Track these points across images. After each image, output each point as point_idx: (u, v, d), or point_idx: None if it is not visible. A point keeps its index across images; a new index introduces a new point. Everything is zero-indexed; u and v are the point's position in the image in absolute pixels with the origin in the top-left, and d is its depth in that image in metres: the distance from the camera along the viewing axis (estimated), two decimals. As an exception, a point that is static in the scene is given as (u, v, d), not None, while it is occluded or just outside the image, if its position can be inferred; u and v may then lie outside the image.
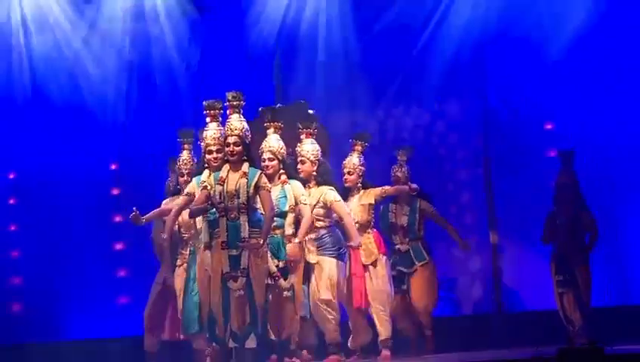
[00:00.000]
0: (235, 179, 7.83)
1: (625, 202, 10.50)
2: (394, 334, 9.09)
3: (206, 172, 8.00)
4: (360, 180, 9.14)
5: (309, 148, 8.73)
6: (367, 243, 8.97)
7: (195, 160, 8.84)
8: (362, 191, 9.14)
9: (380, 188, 9.19)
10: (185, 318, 8.59)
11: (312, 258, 8.60)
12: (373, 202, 9.11)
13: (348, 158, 9.16)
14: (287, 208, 8.37)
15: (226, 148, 7.90)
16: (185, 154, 9.03)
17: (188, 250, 8.71)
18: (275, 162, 8.45)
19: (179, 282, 8.82)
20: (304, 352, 8.59)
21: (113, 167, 11.82)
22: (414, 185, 9.29)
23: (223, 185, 7.83)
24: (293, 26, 11.58)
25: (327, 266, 8.61)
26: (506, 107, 11.05)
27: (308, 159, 8.71)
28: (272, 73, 11.66)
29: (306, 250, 8.58)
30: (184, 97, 11.66)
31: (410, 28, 11.31)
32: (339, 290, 8.67)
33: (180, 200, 8.28)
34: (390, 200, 9.44)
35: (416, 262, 9.38)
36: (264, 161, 8.40)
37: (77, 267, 11.46)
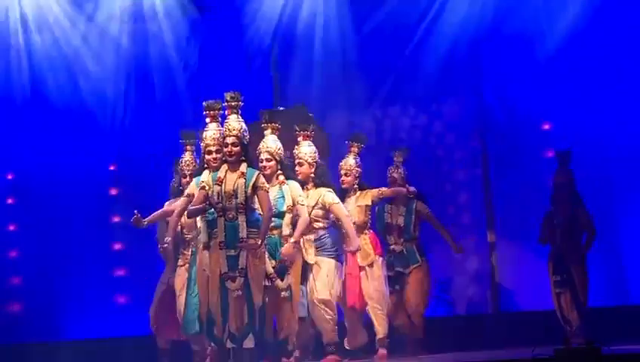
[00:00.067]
0: (233, 180, 7.84)
1: (622, 202, 10.49)
2: (390, 333, 9.12)
3: (206, 172, 8.01)
4: (356, 181, 9.17)
5: (306, 150, 8.75)
6: (364, 245, 8.99)
7: (198, 161, 8.86)
8: (359, 192, 9.16)
9: (377, 189, 9.22)
10: (185, 319, 8.60)
11: (311, 258, 8.63)
12: (370, 203, 9.14)
13: (344, 160, 9.19)
14: (284, 208, 8.38)
15: (224, 149, 7.90)
16: (187, 156, 9.06)
17: (190, 250, 8.71)
18: (273, 163, 8.46)
19: (179, 282, 8.83)
20: (296, 352, 8.61)
21: (112, 167, 11.81)
22: (412, 188, 9.33)
23: (221, 186, 7.83)
24: (289, 25, 11.58)
25: (326, 266, 8.64)
26: (503, 106, 11.04)
27: (306, 161, 8.74)
28: (270, 72, 11.68)
29: (304, 250, 8.61)
30: (182, 97, 11.66)
31: (405, 26, 11.29)
32: (336, 291, 8.71)
33: (181, 201, 8.30)
34: (386, 201, 9.46)
35: (410, 265, 9.41)
36: (262, 162, 8.40)
37: (76, 267, 11.48)
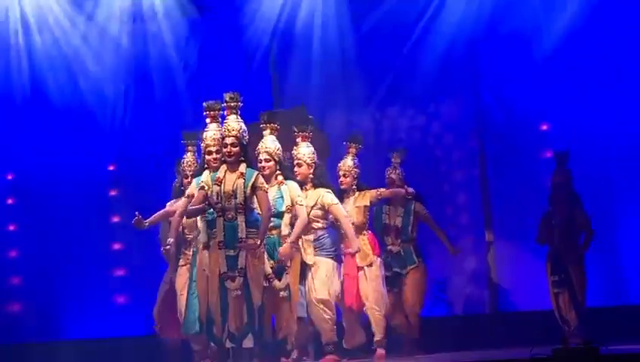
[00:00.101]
0: (232, 180, 7.86)
1: (620, 202, 10.46)
2: (388, 333, 9.15)
3: (206, 172, 8.04)
4: (355, 182, 9.19)
5: (305, 151, 8.79)
6: (363, 245, 8.99)
7: (199, 161, 8.89)
8: (357, 193, 9.18)
9: (376, 190, 9.24)
10: (186, 319, 8.62)
11: (310, 259, 8.65)
12: (368, 204, 9.16)
13: (343, 161, 9.21)
14: (283, 209, 8.40)
15: (224, 149, 7.93)
16: (189, 156, 9.08)
17: (191, 250, 8.72)
18: (272, 163, 8.48)
19: (180, 282, 8.84)
20: (295, 352, 8.63)
21: (111, 167, 11.81)
22: (410, 189, 9.36)
23: (220, 186, 7.85)
24: (288, 25, 11.57)
25: (325, 266, 8.66)
26: (501, 106, 11.02)
27: (304, 162, 8.77)
28: (269, 72, 11.70)
29: (303, 250, 8.64)
30: (182, 97, 11.66)
31: (403, 26, 11.26)
32: (335, 291, 8.74)
33: (182, 202, 8.33)
34: (384, 202, 9.48)
35: (407, 265, 9.43)
36: (260, 162, 8.42)
37: (75, 267, 11.49)
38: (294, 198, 8.43)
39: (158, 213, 8.70)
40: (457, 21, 11.14)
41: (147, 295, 11.13)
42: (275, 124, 8.67)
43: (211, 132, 8.14)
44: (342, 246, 8.99)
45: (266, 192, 7.99)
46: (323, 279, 8.63)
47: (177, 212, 8.35)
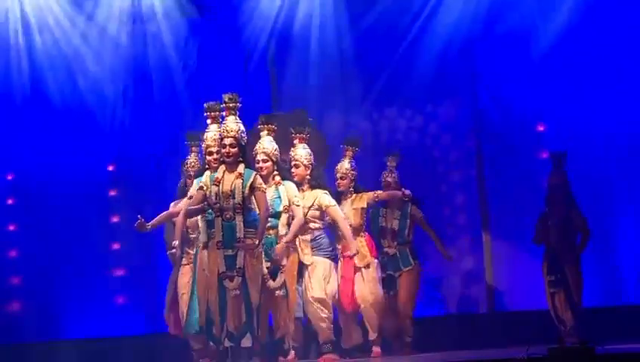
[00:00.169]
0: (230, 180, 7.90)
1: (616, 203, 10.46)
2: (383, 334, 9.24)
3: (207, 173, 8.09)
4: (352, 185, 9.25)
5: (302, 152, 8.85)
6: (360, 247, 9.04)
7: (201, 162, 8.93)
8: (355, 195, 9.24)
9: (373, 192, 9.29)
10: (188, 318, 8.66)
11: (307, 259, 8.70)
12: (365, 206, 9.21)
13: (340, 163, 9.27)
14: (281, 209, 8.45)
15: (222, 150, 7.97)
16: (192, 157, 9.12)
17: (194, 249, 8.77)
18: (269, 163, 8.52)
19: (182, 281, 8.87)
20: (293, 351, 8.67)
21: (110, 168, 11.82)
22: (407, 191, 9.40)
23: (218, 186, 7.89)
24: (286, 25, 11.56)
25: (322, 266, 8.72)
26: (498, 107, 11.03)
27: (302, 163, 8.83)
28: (268, 73, 11.73)
29: (300, 250, 8.69)
30: (181, 97, 11.67)
31: (399, 26, 11.26)
32: (332, 290, 8.79)
33: (184, 202, 8.40)
34: (380, 205, 9.51)
35: (402, 267, 9.46)
36: (258, 163, 8.46)
37: (75, 266, 11.47)
38: (292, 198, 8.48)
39: (160, 215, 8.64)
40: (454, 21, 11.11)
41: (146, 295, 11.25)
42: (273, 125, 8.72)
43: (212, 133, 8.18)
44: (339, 247, 9.04)
45: (264, 193, 8.02)
46: (320, 278, 8.69)
47: (181, 213, 8.38)
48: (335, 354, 8.78)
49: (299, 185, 8.73)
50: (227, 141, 7.93)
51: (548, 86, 10.76)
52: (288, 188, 8.54)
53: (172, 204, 8.98)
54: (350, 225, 8.97)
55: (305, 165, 8.83)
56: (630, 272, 10.41)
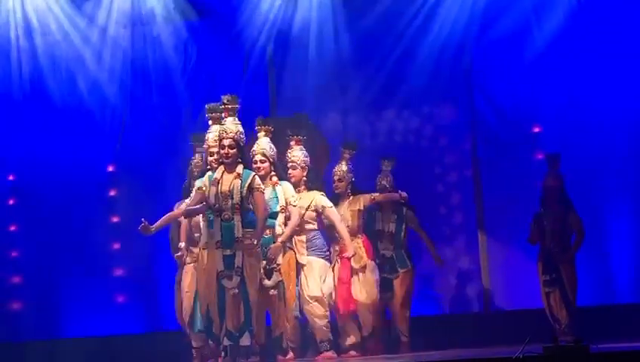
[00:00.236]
0: (229, 180, 7.97)
1: (611, 203, 10.44)
2: (380, 335, 9.34)
3: (208, 173, 8.17)
4: (350, 187, 9.32)
5: (298, 154, 8.94)
6: (357, 248, 9.13)
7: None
8: (352, 197, 9.32)
9: (370, 194, 9.36)
10: (192, 317, 8.73)
11: (303, 259, 8.79)
12: (362, 208, 9.28)
13: (337, 166, 9.34)
14: (278, 209, 8.53)
15: (221, 151, 8.04)
16: (197, 158, 9.19)
17: (198, 249, 8.82)
18: (267, 164, 8.60)
19: (186, 280, 8.94)
20: (291, 350, 8.74)
21: (110, 168, 11.85)
22: (404, 193, 9.46)
23: (217, 186, 7.96)
24: (285, 28, 11.55)
25: (317, 265, 8.81)
26: (493, 108, 10.98)
27: (299, 165, 8.92)
28: (267, 75, 11.77)
29: (296, 251, 8.77)
30: (180, 99, 11.69)
31: (396, 28, 11.27)
32: (328, 289, 8.86)
33: (186, 203, 8.45)
34: (375, 208, 9.55)
35: (399, 269, 9.53)
36: (255, 163, 8.54)
37: (75, 266, 11.50)
38: (288, 199, 8.56)
39: (164, 217, 8.49)
40: (450, 24, 11.08)
41: (146, 294, 11.29)
42: (270, 126, 8.80)
43: (213, 133, 8.27)
44: (336, 248, 9.12)
45: (263, 193, 8.09)
46: (316, 277, 8.77)
47: (179, 213, 8.47)
48: (333, 353, 8.85)
49: (295, 186, 8.82)
50: (226, 142, 8.00)
51: (543, 88, 10.74)
52: (285, 189, 8.61)
53: (176, 205, 9.04)
54: (347, 227, 9.05)
55: (302, 167, 8.93)
56: (624, 272, 10.37)
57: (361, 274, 9.17)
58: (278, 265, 8.37)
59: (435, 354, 9.09)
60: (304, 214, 8.76)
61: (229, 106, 8.18)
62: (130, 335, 11.15)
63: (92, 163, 11.70)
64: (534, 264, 9.43)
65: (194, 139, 9.32)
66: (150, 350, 10.54)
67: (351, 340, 9.16)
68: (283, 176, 8.72)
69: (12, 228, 11.87)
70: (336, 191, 9.29)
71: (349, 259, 9.01)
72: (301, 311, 8.84)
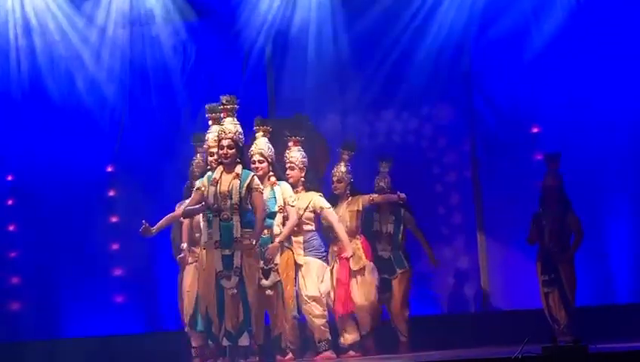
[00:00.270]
0: (228, 181, 7.97)
1: (610, 203, 10.44)
2: (379, 335, 9.35)
3: (208, 173, 8.17)
4: (348, 188, 9.33)
5: (296, 155, 8.95)
6: (356, 249, 9.13)
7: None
8: (350, 198, 9.32)
9: (368, 195, 9.37)
10: (193, 317, 8.74)
11: (300, 259, 8.80)
12: (361, 209, 9.29)
13: (336, 167, 9.34)
14: (276, 209, 8.54)
15: (220, 151, 8.04)
16: (198, 158, 9.20)
17: (199, 248, 8.83)
18: (265, 164, 8.61)
19: (187, 279, 8.96)
20: (290, 350, 8.75)
21: (109, 168, 11.85)
22: (402, 194, 9.47)
23: (216, 186, 7.96)
24: (284, 29, 11.54)
25: (315, 266, 8.81)
26: (492, 108, 10.99)
27: (297, 166, 8.93)
28: (265, 76, 11.78)
29: (294, 251, 8.78)
30: (179, 99, 11.69)
31: (394, 29, 11.29)
32: (325, 289, 8.88)
33: (185, 204, 8.45)
34: (373, 209, 9.56)
35: (397, 270, 9.54)
36: (254, 163, 8.54)
37: (74, 266, 11.52)
38: (287, 199, 8.57)
39: (164, 218, 8.51)
40: (449, 24, 11.09)
41: (145, 294, 11.30)
42: (268, 126, 8.81)
43: (213, 134, 8.29)
44: (335, 249, 9.12)
45: (262, 193, 8.10)
46: (313, 277, 8.78)
47: (179, 213, 8.47)
48: (332, 353, 8.86)
49: (293, 187, 8.82)
50: (225, 142, 8.01)
51: (542, 88, 10.74)
52: (284, 189, 8.62)
53: (177, 205, 9.04)
54: (346, 228, 9.06)
55: (300, 168, 8.94)
56: (623, 272, 10.37)
57: (359, 277, 9.17)
58: (276, 265, 8.37)
59: (434, 354, 9.10)
60: (302, 215, 8.76)
61: (228, 107, 8.19)
62: (129, 336, 11.17)
63: (91, 163, 11.72)
64: (533, 264, 9.45)
65: (195, 140, 9.33)
66: (150, 350, 10.55)
67: (350, 340, 9.16)
68: (281, 176, 8.73)
69: (11, 228, 11.90)
70: (335, 192, 9.30)
71: (347, 259, 9.01)
72: (299, 311, 8.83)
